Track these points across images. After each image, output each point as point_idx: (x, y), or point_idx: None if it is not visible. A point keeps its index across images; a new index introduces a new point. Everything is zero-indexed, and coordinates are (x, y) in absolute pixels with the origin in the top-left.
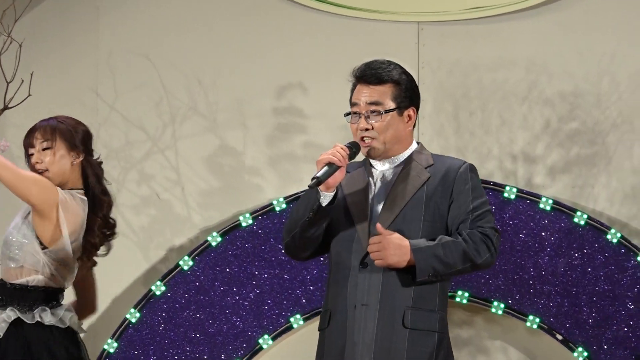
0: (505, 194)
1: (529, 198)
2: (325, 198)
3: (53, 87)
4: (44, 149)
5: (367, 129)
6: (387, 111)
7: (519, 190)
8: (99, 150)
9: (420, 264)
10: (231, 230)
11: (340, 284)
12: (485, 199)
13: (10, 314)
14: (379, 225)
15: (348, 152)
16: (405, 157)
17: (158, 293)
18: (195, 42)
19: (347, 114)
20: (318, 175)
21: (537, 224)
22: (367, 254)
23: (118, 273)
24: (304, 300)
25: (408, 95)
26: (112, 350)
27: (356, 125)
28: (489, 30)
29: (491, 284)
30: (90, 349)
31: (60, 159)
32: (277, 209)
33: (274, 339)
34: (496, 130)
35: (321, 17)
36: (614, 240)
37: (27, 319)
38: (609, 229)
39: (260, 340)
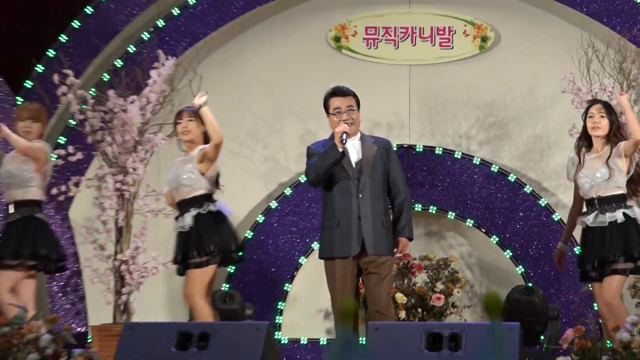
0: None
1: None
2: (340, 151)
3: None
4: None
5: (347, 118)
6: (357, 109)
7: None
8: None
9: (411, 235)
10: None
11: (345, 203)
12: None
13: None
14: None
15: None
16: (359, 137)
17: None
18: None
19: (332, 113)
20: (346, 138)
21: None
22: (359, 189)
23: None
24: None
25: (359, 103)
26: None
27: (339, 117)
28: None
29: None
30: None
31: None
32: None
33: None
34: None
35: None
36: None
37: (202, 210)
38: None
39: None
